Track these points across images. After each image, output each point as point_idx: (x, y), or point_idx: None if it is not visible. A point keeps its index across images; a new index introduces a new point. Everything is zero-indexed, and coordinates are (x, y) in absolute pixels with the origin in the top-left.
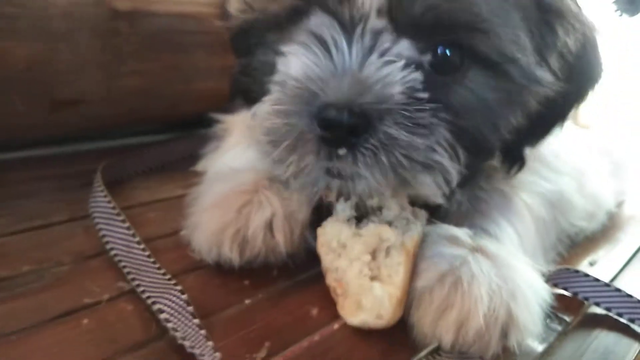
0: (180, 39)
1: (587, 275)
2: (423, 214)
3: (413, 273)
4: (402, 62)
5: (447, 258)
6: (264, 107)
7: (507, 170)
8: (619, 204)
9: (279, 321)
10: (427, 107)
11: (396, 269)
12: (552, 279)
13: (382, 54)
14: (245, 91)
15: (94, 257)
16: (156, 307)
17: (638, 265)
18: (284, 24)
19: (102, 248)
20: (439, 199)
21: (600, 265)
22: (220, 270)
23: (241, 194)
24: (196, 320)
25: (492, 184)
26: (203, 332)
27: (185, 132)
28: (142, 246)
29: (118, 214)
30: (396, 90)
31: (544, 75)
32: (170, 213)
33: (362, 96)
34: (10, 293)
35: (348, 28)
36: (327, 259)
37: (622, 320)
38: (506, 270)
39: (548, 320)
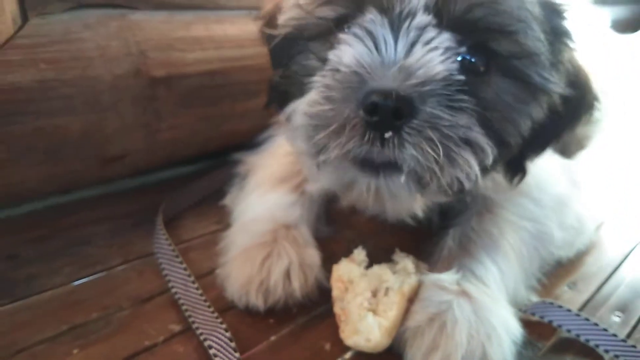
0: (209, 93)
1: (560, 306)
2: (425, 267)
3: (407, 312)
4: (443, 49)
5: (436, 303)
6: (312, 96)
7: (509, 180)
8: (598, 227)
9: (299, 356)
10: (465, 91)
11: (391, 306)
12: (530, 309)
13: (425, 44)
14: (283, 93)
15: (148, 300)
16: (207, 343)
17: (614, 285)
18: (333, 29)
19: (154, 291)
20: (470, 184)
21: (579, 287)
22: (250, 310)
23: (262, 247)
24: (237, 354)
25: (482, 226)
26: None
27: (214, 163)
28: (196, 285)
29: (177, 256)
30: (438, 71)
31: (555, 80)
32: (207, 251)
33: (407, 81)
34: (86, 340)
35: (396, 24)
36: (337, 290)
37: (589, 345)
38: (484, 312)
39: (522, 349)
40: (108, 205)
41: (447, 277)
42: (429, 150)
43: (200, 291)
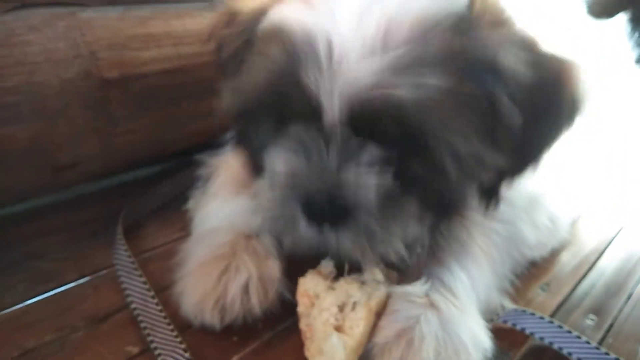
0: (169, 93)
1: (533, 313)
2: (395, 275)
3: (375, 327)
4: (373, 168)
5: (404, 318)
6: (262, 186)
7: (485, 206)
8: (572, 223)
9: None
10: (398, 191)
11: (357, 322)
12: (502, 317)
13: (355, 161)
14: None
15: (104, 319)
16: None
17: (588, 285)
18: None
19: (110, 309)
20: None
21: (552, 289)
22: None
23: (219, 260)
24: None
25: (451, 231)
26: None
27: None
28: (155, 300)
29: (136, 269)
30: (370, 194)
31: (494, 156)
32: (170, 261)
33: (341, 197)
34: None
35: (324, 133)
36: (303, 306)
37: (562, 353)
38: (452, 326)
39: (494, 358)
40: (63, 214)
41: (415, 290)
42: (361, 252)
43: (160, 307)
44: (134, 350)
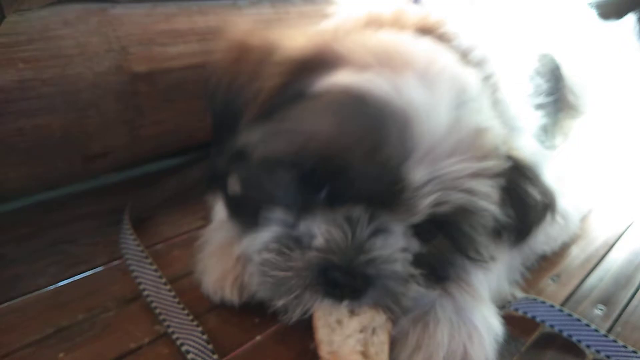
0: (193, 87)
1: (544, 302)
2: None
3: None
4: (400, 245)
5: (419, 305)
6: (267, 241)
7: None
8: (583, 219)
9: (283, 356)
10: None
11: (382, 347)
12: (513, 305)
13: (386, 239)
14: (242, 204)
15: (133, 300)
16: (184, 347)
17: (598, 277)
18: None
19: (138, 291)
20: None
21: (562, 280)
22: (236, 309)
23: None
24: (215, 356)
25: None
26: None
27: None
28: (168, 287)
29: (146, 257)
30: (395, 267)
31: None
32: (193, 248)
33: (366, 270)
34: (72, 343)
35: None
36: (323, 332)
37: (571, 340)
38: (466, 312)
39: (505, 344)
40: (93, 202)
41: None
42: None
43: (173, 293)
44: (162, 329)
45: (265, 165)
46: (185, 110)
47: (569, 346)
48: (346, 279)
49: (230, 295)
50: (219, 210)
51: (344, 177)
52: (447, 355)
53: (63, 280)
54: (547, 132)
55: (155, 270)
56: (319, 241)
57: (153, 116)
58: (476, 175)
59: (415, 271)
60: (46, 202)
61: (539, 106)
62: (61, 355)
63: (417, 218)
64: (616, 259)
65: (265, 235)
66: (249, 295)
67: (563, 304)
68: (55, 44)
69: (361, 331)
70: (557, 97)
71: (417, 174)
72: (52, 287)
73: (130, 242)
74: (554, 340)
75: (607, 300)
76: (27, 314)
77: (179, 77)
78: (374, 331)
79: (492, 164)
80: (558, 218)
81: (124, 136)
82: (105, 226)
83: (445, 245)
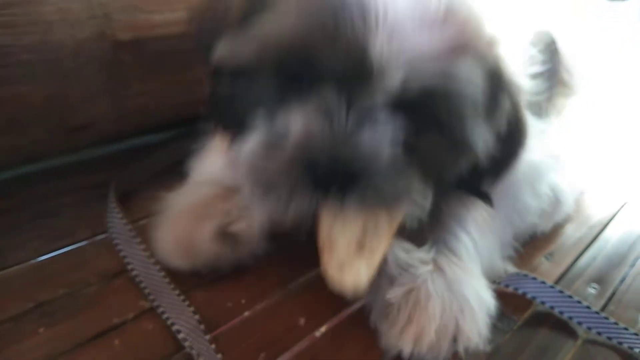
0: (180, 56)
1: (535, 278)
2: None
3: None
4: (391, 132)
5: (411, 279)
6: (253, 146)
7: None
8: (577, 198)
9: (273, 331)
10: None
11: (380, 242)
12: (505, 281)
13: (375, 125)
14: (229, 117)
15: (117, 275)
16: (175, 327)
17: (591, 256)
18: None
19: (123, 267)
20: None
21: (556, 258)
22: (224, 285)
23: (195, 208)
24: (207, 337)
25: (453, 196)
26: (213, 346)
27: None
28: (158, 267)
29: (134, 236)
30: (383, 157)
31: (489, 137)
32: None
33: (353, 160)
34: (52, 318)
35: (350, 99)
36: (327, 216)
37: (563, 317)
38: (457, 286)
39: (497, 321)
40: (76, 175)
41: (421, 255)
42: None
43: (163, 273)
44: (147, 304)
45: (238, 75)
46: (172, 82)
47: (562, 325)
48: (327, 177)
49: (181, 262)
50: (194, 175)
51: (313, 68)
52: (438, 329)
53: (45, 255)
54: (541, 108)
55: (144, 250)
56: (296, 135)
57: (138, 87)
58: (452, 54)
59: (407, 166)
60: (28, 175)
61: (533, 76)
62: (41, 330)
63: (391, 97)
64: (610, 239)
65: (249, 144)
66: (200, 263)
67: (556, 282)
68: (35, 9)
69: (362, 224)
70: (552, 73)
71: (382, 48)
72: (33, 261)
73: (117, 222)
74: (547, 319)
75: (600, 279)
76: (6, 289)
77: (165, 46)
78: (375, 224)
79: (472, 45)
80: (548, 190)
81: (108, 107)
82: (90, 200)
83: (437, 143)
